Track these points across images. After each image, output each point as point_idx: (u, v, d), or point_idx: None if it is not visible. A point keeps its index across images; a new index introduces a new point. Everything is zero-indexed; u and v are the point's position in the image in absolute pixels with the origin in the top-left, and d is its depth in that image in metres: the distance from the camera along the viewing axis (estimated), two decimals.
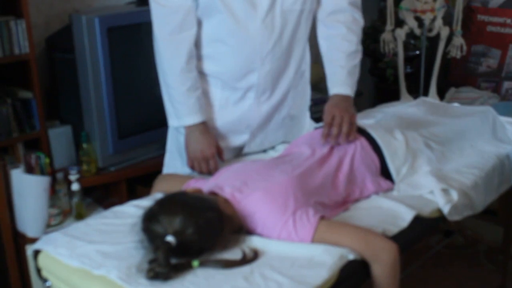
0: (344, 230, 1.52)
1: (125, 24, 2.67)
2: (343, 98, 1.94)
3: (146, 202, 1.65)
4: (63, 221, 2.58)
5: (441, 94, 3.85)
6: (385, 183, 1.83)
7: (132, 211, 1.68)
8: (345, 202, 1.73)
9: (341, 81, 1.97)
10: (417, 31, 3.63)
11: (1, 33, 2.44)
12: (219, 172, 1.77)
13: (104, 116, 2.66)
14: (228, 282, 1.34)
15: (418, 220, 1.67)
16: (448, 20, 3.71)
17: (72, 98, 2.73)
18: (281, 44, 1.93)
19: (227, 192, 1.58)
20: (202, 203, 1.48)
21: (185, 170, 2.01)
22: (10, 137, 2.53)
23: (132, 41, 2.72)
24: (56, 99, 2.83)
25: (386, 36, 3.69)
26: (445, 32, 3.64)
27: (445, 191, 1.78)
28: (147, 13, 1.93)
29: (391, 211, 1.69)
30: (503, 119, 2.38)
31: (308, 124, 2.26)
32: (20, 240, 2.51)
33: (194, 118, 1.92)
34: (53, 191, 2.58)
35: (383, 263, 1.48)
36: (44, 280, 1.56)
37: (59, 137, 2.72)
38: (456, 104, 2.90)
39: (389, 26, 3.66)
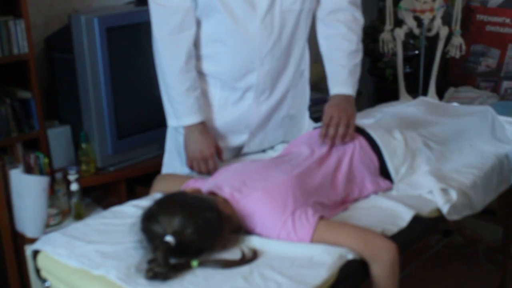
0: (343, 229, 1.52)
1: (124, 24, 2.67)
2: (344, 98, 1.94)
3: (145, 202, 1.65)
4: (62, 221, 2.58)
5: (440, 94, 3.85)
6: (384, 183, 1.83)
7: (131, 211, 1.68)
8: (344, 202, 1.73)
9: (342, 80, 1.96)
10: (416, 31, 3.63)
11: (0, 33, 2.44)
12: (218, 172, 1.77)
13: (103, 116, 2.66)
14: (227, 282, 1.34)
15: (417, 220, 1.67)
16: (447, 19, 3.71)
17: (71, 98, 2.73)
18: (281, 44, 1.93)
19: (226, 192, 1.58)
20: (201, 203, 1.48)
21: (184, 170, 2.01)
22: (9, 137, 2.53)
23: (131, 41, 2.71)
24: (55, 99, 2.83)
25: (385, 36, 3.69)
26: (444, 31, 3.64)
27: (444, 191, 1.78)
28: (146, 13, 1.93)
29: (390, 210, 1.69)
30: (502, 118, 2.38)
31: (307, 124, 2.26)
32: (19, 240, 2.51)
33: (193, 118, 1.92)
34: (52, 191, 2.58)
35: (383, 263, 1.48)
36: (43, 280, 1.56)
37: (58, 137, 2.72)
38: (455, 104, 2.90)
39: (388, 26, 3.66)
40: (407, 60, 3.92)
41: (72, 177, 2.57)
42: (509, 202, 2.57)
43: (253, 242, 1.51)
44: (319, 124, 2.03)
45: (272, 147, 2.16)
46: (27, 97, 2.56)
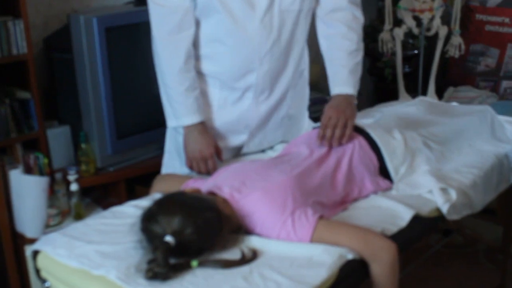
0: (343, 229, 1.52)
1: (123, 24, 2.67)
2: (344, 98, 1.94)
3: (145, 202, 1.65)
4: (62, 221, 2.58)
5: (440, 94, 3.85)
6: (383, 183, 1.83)
7: (131, 211, 1.68)
8: (344, 202, 1.73)
9: (343, 80, 1.96)
10: (416, 31, 3.64)
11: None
12: (218, 172, 1.76)
13: (103, 116, 2.66)
14: (227, 282, 1.34)
15: (417, 220, 1.67)
16: (446, 19, 3.71)
17: (70, 98, 2.73)
18: (280, 44, 1.93)
19: (225, 192, 1.58)
20: (201, 203, 1.48)
21: (183, 170, 2.01)
22: (8, 138, 2.53)
23: (130, 41, 2.71)
24: (55, 99, 2.83)
25: (384, 35, 3.69)
26: (443, 31, 3.64)
27: (444, 191, 1.78)
28: (145, 13, 1.93)
29: (390, 210, 1.69)
30: (502, 118, 2.38)
31: (306, 123, 2.26)
32: (19, 241, 2.50)
33: (192, 118, 1.92)
34: (51, 192, 2.58)
35: (382, 263, 1.48)
36: (43, 281, 1.56)
37: (58, 137, 2.72)
38: (454, 104, 2.90)
39: (387, 26, 3.66)
40: (406, 59, 3.92)
41: (71, 177, 2.57)
42: (509, 202, 2.57)
43: (253, 242, 1.51)
44: (318, 124, 2.03)
45: (271, 147, 2.16)
46: (26, 97, 2.56)
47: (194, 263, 1.38)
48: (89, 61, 2.58)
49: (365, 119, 2.23)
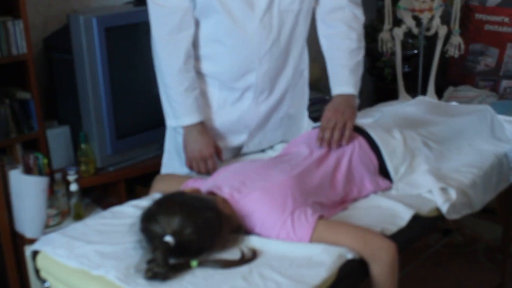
0: (342, 229, 1.52)
1: (123, 24, 2.67)
2: (344, 98, 1.93)
3: (144, 202, 1.65)
4: (62, 221, 2.58)
5: (439, 93, 3.85)
6: (383, 182, 1.83)
7: (130, 211, 1.68)
8: (344, 202, 1.73)
9: (343, 80, 1.96)
10: (415, 30, 3.64)
11: None
12: (218, 172, 1.76)
13: (102, 116, 2.66)
14: (227, 282, 1.34)
15: (416, 219, 1.67)
16: (446, 19, 3.71)
17: (70, 99, 2.73)
18: (279, 44, 1.93)
19: (225, 192, 1.58)
20: (201, 203, 1.48)
21: (183, 170, 2.01)
22: (8, 138, 2.53)
23: (130, 41, 2.71)
24: (54, 100, 2.83)
25: (384, 35, 3.69)
26: (443, 31, 3.64)
27: (443, 190, 1.78)
28: (145, 13, 1.93)
29: (389, 210, 1.69)
30: (501, 117, 2.38)
31: (306, 123, 2.26)
32: (19, 241, 2.50)
33: (192, 118, 1.92)
34: (51, 192, 2.58)
35: (382, 262, 1.48)
36: (43, 281, 1.56)
37: (57, 137, 2.71)
38: (454, 103, 2.90)
39: (387, 25, 3.66)
40: (406, 59, 3.93)
41: (71, 177, 2.57)
42: (509, 201, 2.57)
43: (253, 242, 1.51)
44: (318, 123, 2.03)
45: (271, 147, 2.16)
46: (26, 97, 2.56)
47: (194, 263, 1.38)
48: (88, 61, 2.58)
49: (364, 119, 2.23)
